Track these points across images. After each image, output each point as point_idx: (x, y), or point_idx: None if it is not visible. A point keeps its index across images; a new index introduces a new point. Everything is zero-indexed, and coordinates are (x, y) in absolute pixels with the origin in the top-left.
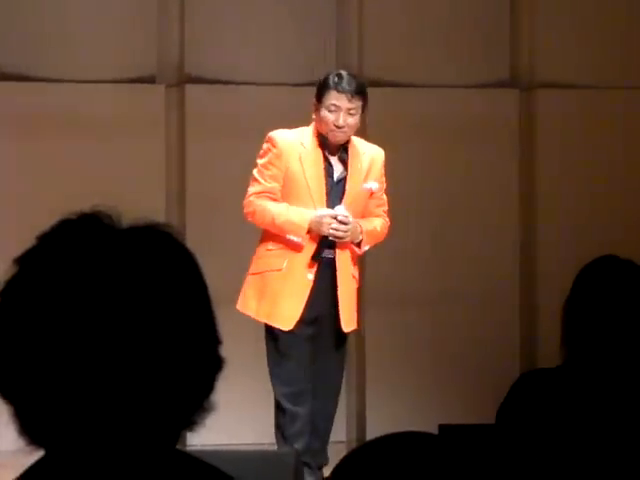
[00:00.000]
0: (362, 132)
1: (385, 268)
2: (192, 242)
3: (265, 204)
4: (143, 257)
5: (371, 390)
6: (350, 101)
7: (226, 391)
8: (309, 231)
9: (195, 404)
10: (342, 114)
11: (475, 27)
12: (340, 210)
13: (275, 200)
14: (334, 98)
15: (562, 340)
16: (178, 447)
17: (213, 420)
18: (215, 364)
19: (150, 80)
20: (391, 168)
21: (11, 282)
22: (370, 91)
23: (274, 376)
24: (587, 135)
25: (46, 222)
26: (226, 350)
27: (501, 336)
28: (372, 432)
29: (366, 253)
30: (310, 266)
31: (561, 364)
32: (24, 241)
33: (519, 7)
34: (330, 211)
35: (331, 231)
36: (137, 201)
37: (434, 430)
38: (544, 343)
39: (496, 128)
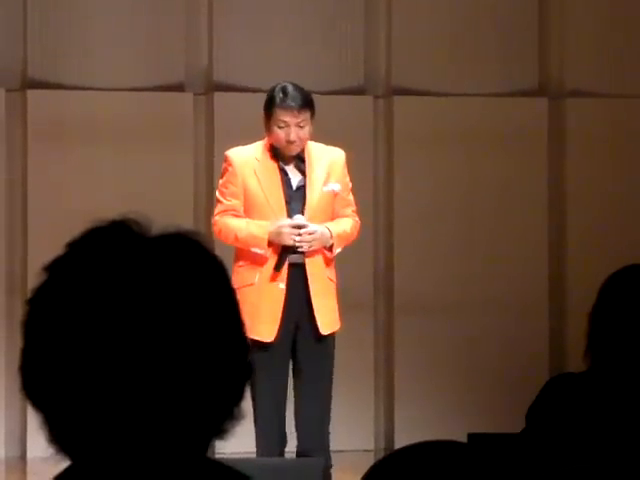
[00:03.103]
0: (388, 141)
1: (414, 279)
2: (220, 249)
3: (227, 221)
4: (172, 265)
5: (399, 398)
6: (297, 116)
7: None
8: (270, 243)
9: (225, 412)
10: (292, 129)
11: (504, 36)
12: (298, 219)
13: (238, 217)
14: (281, 115)
15: (587, 348)
16: (208, 455)
17: (242, 428)
18: (244, 371)
19: (179, 88)
20: (418, 178)
21: (40, 290)
22: (398, 100)
23: (253, 391)
24: (616, 144)
25: (74, 229)
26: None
27: (530, 344)
28: (400, 441)
29: (395, 264)
30: (280, 276)
31: (586, 370)
32: (53, 247)
33: (548, 16)
34: (288, 220)
35: (295, 241)
36: (165, 208)
37: (463, 439)
38: (573, 350)
39: (525, 137)
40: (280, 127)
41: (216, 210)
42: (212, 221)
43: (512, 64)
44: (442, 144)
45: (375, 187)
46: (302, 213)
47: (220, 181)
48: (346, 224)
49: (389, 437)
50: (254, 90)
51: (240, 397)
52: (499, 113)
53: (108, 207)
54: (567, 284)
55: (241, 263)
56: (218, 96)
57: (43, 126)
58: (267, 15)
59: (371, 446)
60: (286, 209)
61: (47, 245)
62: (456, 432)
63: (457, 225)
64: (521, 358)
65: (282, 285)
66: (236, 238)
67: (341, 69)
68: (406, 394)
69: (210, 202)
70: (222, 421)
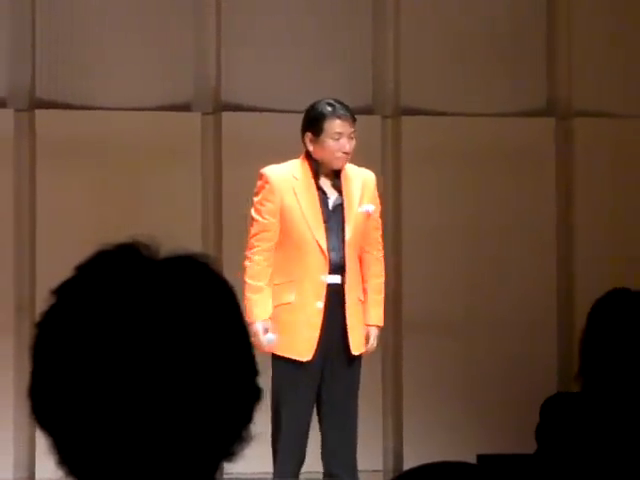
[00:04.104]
0: (396, 160)
1: (422, 297)
2: (228, 271)
3: (256, 269)
4: (180, 288)
5: (408, 418)
6: (352, 125)
7: (264, 420)
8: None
9: (234, 435)
10: (346, 140)
11: (512, 55)
12: (270, 342)
13: (271, 238)
14: (338, 126)
15: (578, 371)
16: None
17: (251, 449)
18: (253, 394)
19: (186, 108)
20: (427, 197)
21: (48, 313)
22: (406, 120)
23: (279, 409)
24: (625, 164)
25: (83, 249)
26: (267, 381)
27: (539, 363)
28: (409, 462)
29: (403, 283)
30: (318, 295)
31: (581, 391)
32: (61, 268)
33: (556, 36)
34: (264, 338)
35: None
36: (173, 229)
37: (472, 460)
38: None
39: (533, 157)
40: (335, 139)
41: (252, 230)
42: (248, 242)
43: (520, 84)
44: (450, 164)
45: (383, 207)
46: (342, 232)
47: (255, 199)
48: (378, 287)
49: (398, 457)
50: (262, 110)
51: (249, 420)
52: (507, 133)
53: (116, 227)
54: (576, 302)
55: (277, 281)
56: (226, 116)
57: (51, 146)
58: (275, 35)
59: (380, 466)
60: (324, 228)
61: (55, 265)
62: (465, 451)
63: (465, 244)
64: (530, 376)
65: (320, 304)
66: (245, 288)
67: (349, 89)
68: (415, 414)
69: (218, 222)
70: (231, 444)
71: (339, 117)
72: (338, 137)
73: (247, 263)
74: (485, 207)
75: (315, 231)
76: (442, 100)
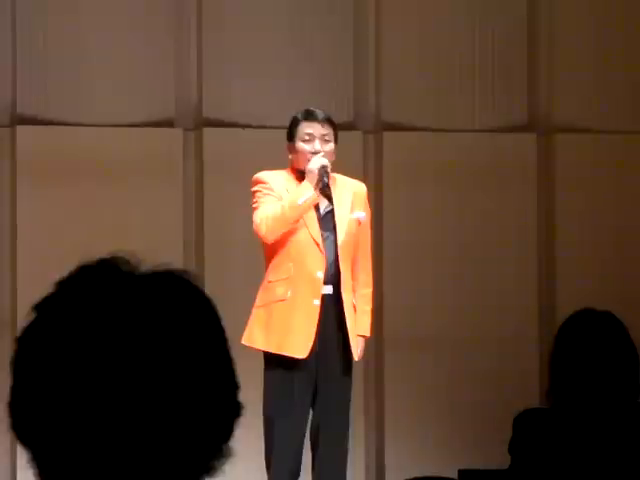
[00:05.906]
0: (378, 176)
1: (404, 313)
2: (210, 287)
3: (267, 213)
4: (161, 303)
5: (390, 435)
6: (323, 127)
7: (245, 436)
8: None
9: (213, 449)
10: (317, 140)
11: (493, 71)
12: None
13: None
14: (306, 127)
15: (548, 389)
16: None
17: (231, 465)
18: (233, 410)
19: (168, 124)
20: (408, 213)
21: (29, 328)
22: (387, 135)
23: (270, 409)
24: (606, 180)
25: (64, 266)
26: (248, 395)
27: (521, 379)
28: (391, 478)
29: (384, 298)
30: (315, 292)
31: (551, 406)
32: (42, 284)
33: (537, 51)
34: (320, 160)
35: (325, 165)
36: (154, 245)
37: (454, 475)
38: None
39: (514, 173)
40: (305, 140)
41: (255, 216)
42: (254, 227)
43: (501, 100)
44: (432, 179)
45: None
46: (334, 239)
47: (253, 199)
48: (367, 297)
49: (380, 473)
50: (243, 126)
51: (229, 435)
52: (487, 149)
53: (98, 243)
54: (557, 317)
55: (272, 278)
56: (208, 132)
57: (33, 162)
58: (256, 52)
59: None
60: (319, 226)
61: (37, 281)
62: (447, 466)
63: (446, 259)
64: (512, 391)
65: (317, 302)
66: (284, 214)
67: (331, 104)
68: (397, 431)
69: (200, 238)
70: (211, 458)
71: (308, 119)
72: (309, 138)
73: (263, 225)
74: (466, 223)
75: (311, 228)
76: (423, 116)
